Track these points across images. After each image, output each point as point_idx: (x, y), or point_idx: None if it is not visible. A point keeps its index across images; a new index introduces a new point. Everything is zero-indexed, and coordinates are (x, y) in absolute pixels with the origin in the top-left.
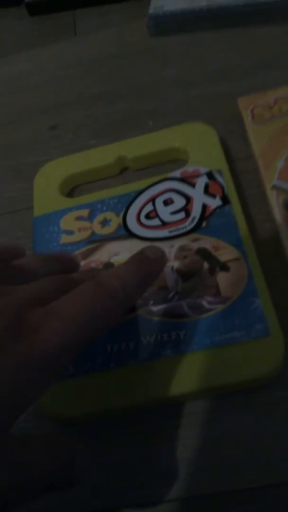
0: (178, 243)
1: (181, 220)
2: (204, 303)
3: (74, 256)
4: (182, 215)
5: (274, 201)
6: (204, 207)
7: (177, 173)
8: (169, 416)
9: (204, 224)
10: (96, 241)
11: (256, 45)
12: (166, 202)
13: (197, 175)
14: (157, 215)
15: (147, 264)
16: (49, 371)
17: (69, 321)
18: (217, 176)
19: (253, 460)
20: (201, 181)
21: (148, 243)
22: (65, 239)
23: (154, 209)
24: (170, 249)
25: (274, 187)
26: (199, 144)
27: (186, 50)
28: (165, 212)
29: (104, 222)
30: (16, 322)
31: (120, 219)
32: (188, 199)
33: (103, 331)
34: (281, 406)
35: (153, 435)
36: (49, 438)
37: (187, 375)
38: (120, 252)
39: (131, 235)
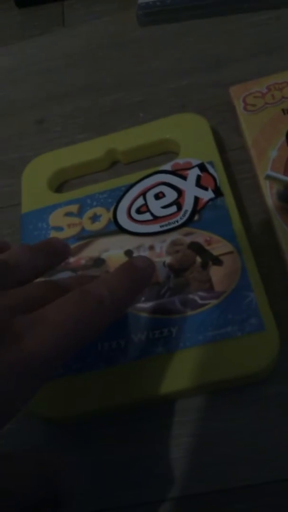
0: (170, 237)
1: (173, 214)
2: (197, 299)
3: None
4: (173, 208)
5: (268, 191)
6: (196, 200)
7: (168, 166)
8: (162, 414)
9: (196, 217)
10: (86, 237)
11: (247, 33)
12: (157, 196)
13: (189, 167)
14: (148, 210)
15: (134, 273)
16: (36, 379)
17: (56, 328)
18: (209, 167)
19: (248, 457)
20: (193, 174)
21: (139, 238)
22: (54, 235)
23: (145, 203)
24: (161, 244)
25: (267, 177)
26: (190, 136)
27: (176, 39)
28: (156, 206)
29: (94, 218)
30: (1, 329)
31: (110, 214)
32: (180, 192)
33: (91, 338)
34: (275, 402)
35: (146, 434)
36: (34, 454)
37: (180, 373)
38: (110, 248)
39: (121, 230)
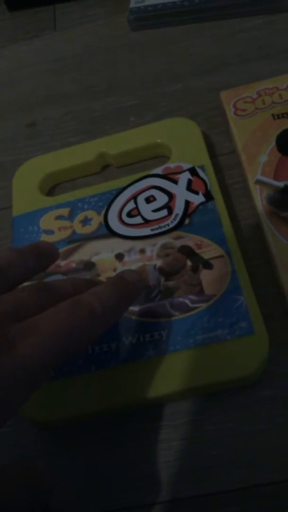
0: (160, 241)
1: (164, 218)
2: (187, 302)
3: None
4: (164, 212)
5: (258, 195)
6: (187, 204)
7: (159, 170)
8: (153, 417)
9: (187, 221)
10: (77, 240)
11: (238, 38)
12: (148, 200)
13: (180, 171)
14: (139, 213)
15: (125, 285)
16: (27, 387)
17: (47, 337)
18: (200, 172)
19: (238, 460)
20: (184, 178)
21: (130, 242)
22: (45, 239)
23: (136, 207)
24: (152, 247)
25: (257, 181)
26: (181, 140)
27: (168, 44)
28: (147, 210)
29: (85, 221)
30: None
31: (101, 218)
32: (171, 196)
33: (82, 348)
34: (265, 405)
35: (137, 438)
36: (26, 470)
37: (170, 376)
38: (101, 252)
39: (112, 234)
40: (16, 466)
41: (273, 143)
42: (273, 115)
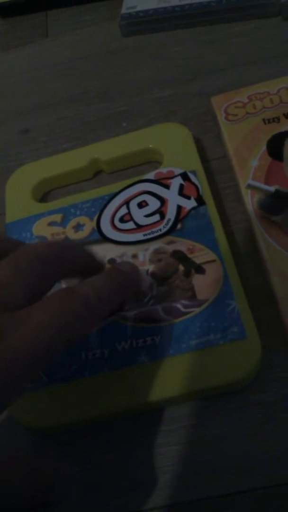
0: (153, 246)
1: (156, 223)
2: (180, 307)
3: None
4: (156, 217)
5: (249, 200)
6: (179, 208)
7: (151, 175)
8: (146, 423)
9: (179, 226)
10: None
11: (229, 43)
12: (141, 205)
13: (172, 176)
14: (131, 218)
15: (120, 276)
16: (20, 379)
17: (39, 328)
18: (191, 177)
19: (232, 465)
20: (176, 183)
21: (122, 247)
22: None
23: (128, 212)
24: (145, 253)
25: (249, 186)
26: (173, 145)
27: (159, 49)
28: (139, 215)
29: (78, 227)
30: None
31: (93, 223)
32: (163, 201)
33: (77, 339)
34: (258, 409)
35: (130, 443)
36: (28, 455)
37: (164, 381)
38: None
39: (105, 239)
40: (21, 457)
41: (264, 147)
42: (263, 119)
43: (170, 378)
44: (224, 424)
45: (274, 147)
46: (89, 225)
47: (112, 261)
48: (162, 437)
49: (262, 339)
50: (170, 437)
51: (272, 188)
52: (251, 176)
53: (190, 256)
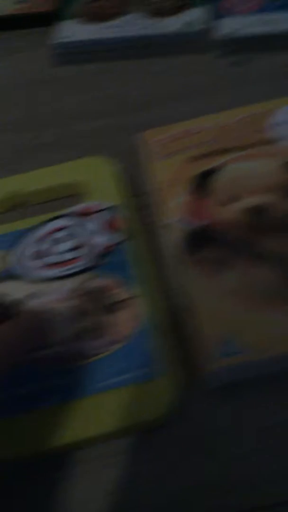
0: (72, 282)
1: (77, 258)
2: (96, 346)
3: None
4: (78, 253)
5: (174, 236)
6: (101, 244)
7: (75, 209)
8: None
9: (101, 261)
10: None
11: (162, 77)
12: (62, 240)
13: (98, 210)
14: (48, 254)
15: (27, 323)
16: None
17: None
18: (116, 211)
19: (154, 502)
20: (101, 217)
21: (37, 284)
22: None
23: (45, 248)
24: (63, 289)
25: (173, 222)
26: (99, 179)
27: (91, 80)
28: (59, 250)
29: None
30: None
31: (10, 258)
32: (86, 236)
33: None
34: (177, 445)
35: (46, 487)
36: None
37: (77, 422)
38: (10, 294)
39: (22, 275)
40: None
41: (190, 184)
42: (191, 157)
43: (84, 419)
44: (144, 461)
45: (199, 184)
46: (5, 260)
47: (29, 297)
48: (73, 479)
49: (182, 376)
50: (84, 480)
51: (196, 225)
52: (176, 212)
53: (108, 293)
